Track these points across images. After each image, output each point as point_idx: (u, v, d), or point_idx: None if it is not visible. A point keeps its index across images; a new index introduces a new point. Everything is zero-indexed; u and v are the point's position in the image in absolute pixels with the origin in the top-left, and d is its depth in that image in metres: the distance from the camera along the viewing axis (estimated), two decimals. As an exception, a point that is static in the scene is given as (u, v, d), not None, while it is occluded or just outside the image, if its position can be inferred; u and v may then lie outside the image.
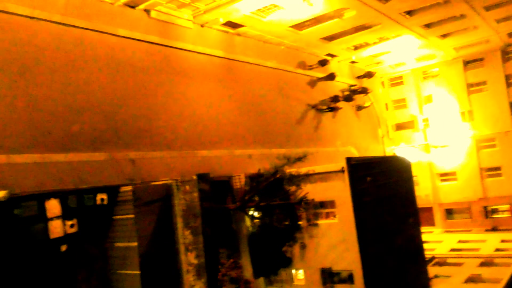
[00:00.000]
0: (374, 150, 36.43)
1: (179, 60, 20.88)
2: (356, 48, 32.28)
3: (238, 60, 24.37)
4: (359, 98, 33.53)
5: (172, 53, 20.51)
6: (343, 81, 33.70)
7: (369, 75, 33.73)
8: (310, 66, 29.08)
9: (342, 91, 31.02)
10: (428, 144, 39.16)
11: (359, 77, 33.70)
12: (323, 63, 29.43)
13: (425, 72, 39.87)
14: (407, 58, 36.72)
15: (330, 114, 30.45)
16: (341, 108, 28.95)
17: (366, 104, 32.28)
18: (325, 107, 28.81)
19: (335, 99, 29.44)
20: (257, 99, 25.43)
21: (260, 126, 25.00)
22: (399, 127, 40.37)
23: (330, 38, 29.10)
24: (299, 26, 25.98)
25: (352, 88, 32.30)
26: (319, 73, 30.19)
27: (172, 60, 20.52)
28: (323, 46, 30.01)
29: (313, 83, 28.81)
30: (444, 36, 32.65)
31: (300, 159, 18.32)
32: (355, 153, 32.63)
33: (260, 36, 25.85)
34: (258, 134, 24.57)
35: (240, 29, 24.44)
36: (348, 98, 31.28)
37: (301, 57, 29.43)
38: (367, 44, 31.76)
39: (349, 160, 18.57)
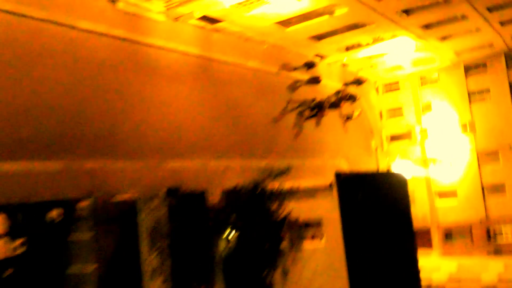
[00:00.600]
0: (366, 164, 37.17)
1: (148, 57, 21.17)
2: (348, 49, 33.09)
3: (215, 60, 24.89)
4: (348, 106, 33.72)
5: (140, 50, 20.81)
6: (333, 86, 33.34)
7: (358, 81, 33.50)
8: (295, 68, 29.13)
9: (328, 97, 31.05)
10: (426, 158, 40.24)
11: (347, 84, 33.63)
12: (309, 65, 28.66)
13: (423, 77, 41.12)
14: (403, 62, 37.73)
15: (320, 121, 30.15)
16: (324, 115, 28.93)
17: (355, 114, 32.49)
18: (304, 111, 28.64)
19: (319, 105, 29.35)
20: (236, 104, 25.84)
21: (239, 135, 25.42)
22: (395, 138, 41.38)
23: (319, 37, 29.83)
24: (285, 23, 26.61)
25: (340, 94, 32.84)
26: (306, 76, 30.33)
27: (141, 57, 20.80)
28: (311, 46, 30.70)
29: (294, 86, 28.65)
30: (444, 38, 33.58)
31: (283, 172, 18.54)
32: (345, 166, 33.35)
33: (241, 33, 26.30)
34: (236, 144, 24.94)
35: (219, 25, 24.85)
36: (334, 105, 31.29)
37: (287, 57, 29.47)
38: (360, 45, 32.58)
39: (338, 175, 18.85)
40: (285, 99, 27.65)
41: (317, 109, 29.09)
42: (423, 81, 41.16)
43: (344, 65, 35.94)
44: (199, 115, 23.11)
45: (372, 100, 41.69)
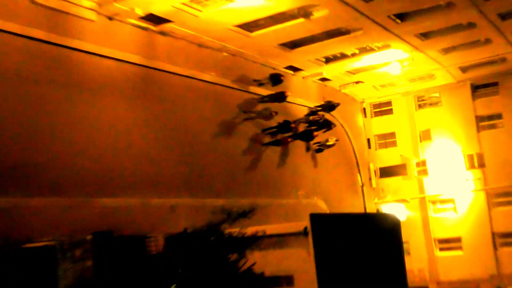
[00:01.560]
0: (350, 204, 37.63)
1: (75, 65, 20.89)
2: (328, 60, 33.62)
3: (161, 70, 24.70)
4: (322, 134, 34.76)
5: (65, 56, 20.49)
6: (308, 105, 35.12)
7: (328, 107, 34.38)
8: (258, 81, 29.92)
9: (296, 121, 31.75)
10: (425, 198, 40.65)
11: (313, 111, 33.96)
12: (275, 78, 30.24)
13: (421, 98, 41.95)
14: (397, 78, 38.29)
15: (292, 150, 31.81)
16: (289, 141, 30.33)
17: (330, 143, 33.55)
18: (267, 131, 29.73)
19: (285, 126, 29.94)
20: (187, 127, 25.68)
21: (190, 165, 25.32)
22: (386, 172, 41.79)
23: (292, 46, 30.10)
24: (250, 26, 26.73)
25: (312, 117, 33.45)
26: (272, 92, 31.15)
27: (65, 65, 20.47)
28: (282, 56, 31.00)
29: (253, 104, 29.67)
30: (447, 51, 34.17)
31: (245, 214, 18.49)
32: (323, 207, 33.63)
33: (193, 37, 26.35)
34: (186, 177, 24.90)
35: (166, 26, 24.79)
36: (304, 135, 31.83)
37: (251, 69, 30.42)
38: (343, 57, 33.06)
39: (314, 217, 18.94)
40: (248, 124, 29.66)
41: (281, 131, 30.64)
42: (421, 102, 41.81)
43: (323, 80, 36.51)
44: (140, 140, 22.85)
45: (358, 124, 42.15)
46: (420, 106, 41.92)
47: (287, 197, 30.84)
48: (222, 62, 28.47)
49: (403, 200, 40.80)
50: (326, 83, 37.40)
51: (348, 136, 39.75)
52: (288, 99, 31.05)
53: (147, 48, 24.22)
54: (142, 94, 23.67)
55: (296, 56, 31.47)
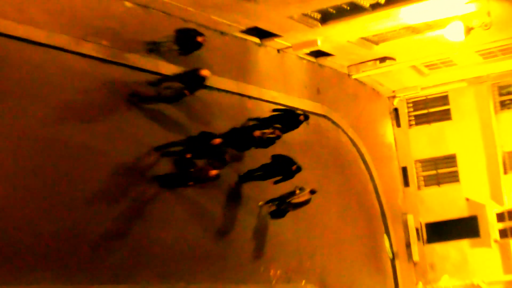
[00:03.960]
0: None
1: None
2: (326, 18, 32.78)
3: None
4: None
5: None
6: (287, 102, 34.85)
7: (295, 120, 33.16)
8: (153, 43, 29.24)
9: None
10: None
11: (263, 121, 33.09)
12: (186, 38, 29.08)
13: (505, 88, 41.03)
14: (460, 49, 36.68)
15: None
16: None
17: (299, 199, 32.41)
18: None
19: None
20: (46, 136, 24.04)
21: (57, 206, 23.58)
22: (439, 232, 41.12)
23: None
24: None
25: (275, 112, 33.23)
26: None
27: None
28: (239, 7, 30.26)
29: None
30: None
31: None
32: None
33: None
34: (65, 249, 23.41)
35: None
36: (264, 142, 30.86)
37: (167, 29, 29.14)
38: (356, 9, 31.97)
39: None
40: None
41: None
42: (506, 98, 41.07)
43: (317, 55, 36.27)
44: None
45: (385, 141, 42.11)
46: (503, 105, 40.83)
47: (248, 281, 30.22)
48: (117, 19, 27.45)
49: (474, 287, 39.79)
50: (324, 61, 36.63)
51: (365, 163, 38.77)
52: (246, 89, 31.89)
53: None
54: None
55: (265, 9, 30.55)
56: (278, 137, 32.06)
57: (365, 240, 37.91)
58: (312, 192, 32.16)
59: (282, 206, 32.51)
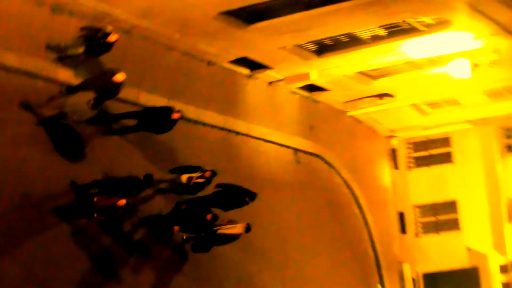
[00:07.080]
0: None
1: None
2: (322, 50, 32.37)
3: None
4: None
5: None
6: (277, 140, 34.07)
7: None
8: (56, 48, 26.65)
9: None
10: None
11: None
12: (93, 40, 26.60)
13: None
14: (464, 88, 36.23)
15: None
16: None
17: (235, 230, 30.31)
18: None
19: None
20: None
21: None
22: (437, 284, 41.02)
23: (250, 17, 28.54)
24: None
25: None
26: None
27: None
28: (227, 35, 29.41)
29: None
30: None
31: None
32: None
33: None
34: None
35: None
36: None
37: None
38: (354, 41, 31.68)
39: None
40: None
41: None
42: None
43: (311, 89, 35.57)
44: None
45: (382, 184, 41.57)
46: (510, 149, 40.90)
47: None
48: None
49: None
50: (318, 96, 36.03)
51: (360, 207, 38.23)
52: (233, 124, 31.45)
53: None
54: None
55: (256, 39, 29.72)
56: (208, 181, 29.59)
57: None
58: (248, 229, 29.37)
59: (201, 236, 30.36)
